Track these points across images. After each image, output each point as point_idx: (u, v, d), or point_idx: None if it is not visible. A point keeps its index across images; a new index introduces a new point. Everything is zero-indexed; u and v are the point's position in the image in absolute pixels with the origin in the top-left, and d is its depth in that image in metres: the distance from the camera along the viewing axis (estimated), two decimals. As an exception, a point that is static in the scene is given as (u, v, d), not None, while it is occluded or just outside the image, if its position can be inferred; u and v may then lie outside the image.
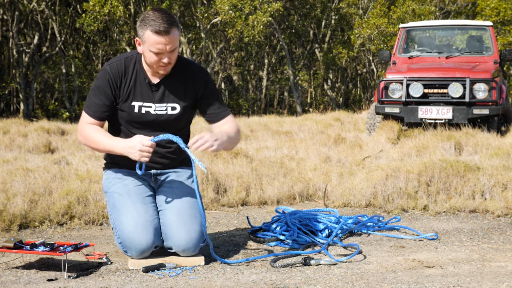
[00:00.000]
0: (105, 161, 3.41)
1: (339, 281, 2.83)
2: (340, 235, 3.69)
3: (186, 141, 3.34)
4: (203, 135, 3.02)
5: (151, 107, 3.17)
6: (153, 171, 3.29)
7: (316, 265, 3.09)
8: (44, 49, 25.32)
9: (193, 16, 23.50)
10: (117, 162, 3.31)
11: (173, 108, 3.20)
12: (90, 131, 3.15)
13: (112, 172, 3.31)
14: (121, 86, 3.15)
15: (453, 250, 3.42)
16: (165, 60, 3.05)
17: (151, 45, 3.03)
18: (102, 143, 3.12)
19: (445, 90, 8.50)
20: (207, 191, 4.81)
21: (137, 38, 3.10)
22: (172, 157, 3.29)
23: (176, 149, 3.29)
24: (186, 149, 3.08)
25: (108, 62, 3.21)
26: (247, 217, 4.03)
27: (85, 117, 3.18)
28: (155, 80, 3.17)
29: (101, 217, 4.21)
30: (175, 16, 3.12)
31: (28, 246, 3.02)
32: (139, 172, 3.14)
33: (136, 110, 3.16)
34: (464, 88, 8.36)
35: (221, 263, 3.16)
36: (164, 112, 3.18)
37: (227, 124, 3.27)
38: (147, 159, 3.01)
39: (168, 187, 3.25)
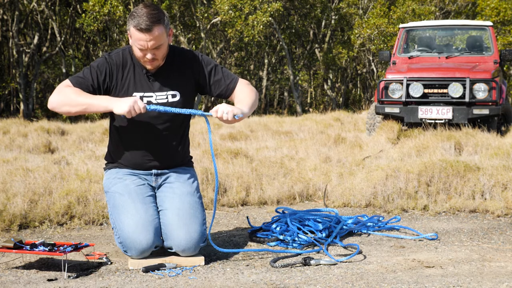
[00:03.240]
0: (106, 161, 3.42)
1: (339, 281, 2.83)
2: (340, 235, 3.69)
3: (185, 137, 3.34)
4: (219, 107, 3.04)
5: (152, 96, 3.18)
6: (153, 171, 3.29)
7: (316, 265, 3.09)
8: (44, 49, 25.32)
9: (193, 16, 23.50)
10: (118, 162, 3.31)
11: (173, 96, 3.21)
12: (70, 90, 3.04)
13: (113, 172, 3.31)
14: (117, 78, 3.16)
15: (453, 250, 3.42)
16: (148, 56, 3.07)
17: (135, 41, 3.07)
18: (84, 99, 3.00)
19: (445, 90, 8.50)
20: (207, 191, 4.81)
21: (128, 31, 3.13)
22: (173, 155, 3.29)
23: (176, 148, 3.29)
24: (187, 112, 3.10)
25: (107, 53, 3.23)
26: (247, 217, 4.03)
27: (66, 82, 3.11)
28: (151, 70, 3.18)
29: (101, 217, 4.21)
30: (164, 12, 3.13)
31: (28, 246, 3.02)
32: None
33: None
34: (464, 88, 8.36)
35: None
36: (165, 101, 3.19)
37: (241, 92, 3.26)
38: (131, 114, 2.96)
39: (168, 187, 3.26)
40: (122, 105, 2.95)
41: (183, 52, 3.28)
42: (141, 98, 3.17)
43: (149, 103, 3.16)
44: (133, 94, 3.16)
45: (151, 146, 3.23)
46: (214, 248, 3.44)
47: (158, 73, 3.19)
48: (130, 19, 3.07)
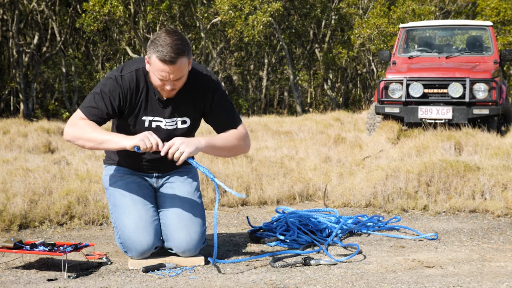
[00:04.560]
0: (105, 155, 3.38)
1: (339, 281, 2.83)
2: (340, 235, 3.69)
3: None
4: (174, 142, 2.93)
5: (161, 121, 3.11)
6: (154, 173, 3.28)
7: (316, 265, 3.09)
8: (44, 49, 25.32)
9: (193, 16, 23.50)
10: (118, 162, 3.30)
11: (183, 122, 3.15)
12: (85, 123, 2.97)
13: (113, 169, 3.29)
14: (131, 100, 3.06)
15: (453, 250, 3.42)
16: (168, 87, 2.97)
17: (156, 71, 2.94)
18: (98, 136, 2.93)
19: (445, 90, 8.51)
20: (207, 191, 4.81)
21: (146, 57, 3.01)
22: (175, 163, 3.28)
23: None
24: (214, 179, 3.01)
25: (119, 71, 3.08)
26: (247, 217, 4.03)
27: (80, 114, 3.02)
28: (164, 97, 3.10)
29: (101, 217, 4.21)
30: (187, 41, 2.97)
31: (28, 246, 3.02)
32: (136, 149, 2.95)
33: (146, 124, 3.10)
34: (464, 88, 8.36)
35: (221, 263, 3.15)
36: (174, 127, 3.13)
37: (226, 134, 3.16)
38: (143, 144, 2.87)
39: (169, 188, 3.25)
40: (134, 139, 2.89)
41: (198, 76, 3.13)
42: (150, 122, 3.10)
43: (158, 128, 3.10)
44: (143, 118, 3.09)
45: (155, 159, 3.20)
46: (214, 248, 3.44)
47: (170, 99, 3.09)
48: (152, 47, 2.92)
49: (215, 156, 3.15)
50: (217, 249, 3.14)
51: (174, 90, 3.02)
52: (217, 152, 3.16)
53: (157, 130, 3.09)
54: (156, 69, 2.93)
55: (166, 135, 3.09)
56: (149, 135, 2.91)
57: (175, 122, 3.13)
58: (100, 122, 3.03)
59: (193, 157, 3.04)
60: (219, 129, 3.22)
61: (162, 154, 2.92)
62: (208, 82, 3.15)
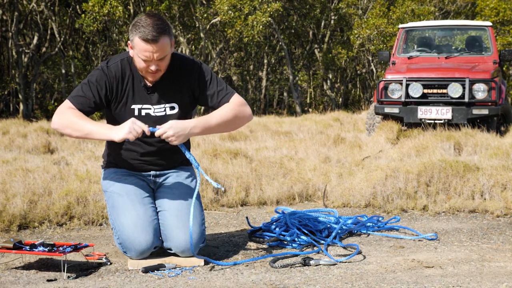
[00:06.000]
0: (103, 159, 3.40)
1: (339, 281, 2.83)
2: (339, 235, 3.69)
3: (186, 144, 3.31)
4: (165, 130, 2.98)
5: (150, 109, 3.14)
6: (152, 172, 3.28)
7: (316, 265, 3.09)
8: (44, 49, 25.32)
9: (192, 16, 23.51)
10: (115, 163, 3.30)
11: (172, 108, 3.17)
12: (72, 113, 3.01)
13: (111, 172, 3.30)
14: (117, 90, 3.10)
15: (452, 250, 3.42)
16: (153, 67, 3.01)
17: (139, 52, 2.99)
18: (85, 126, 2.97)
19: (444, 90, 8.51)
20: (206, 192, 4.81)
21: (129, 42, 3.07)
22: (172, 160, 3.28)
23: (175, 153, 3.26)
24: (199, 167, 3.13)
25: (104, 63, 3.14)
26: (247, 217, 4.03)
27: (68, 104, 3.05)
28: (150, 83, 3.14)
29: (100, 217, 4.21)
30: (168, 23, 3.06)
31: (27, 247, 3.02)
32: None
33: (136, 113, 3.12)
34: (464, 88, 8.36)
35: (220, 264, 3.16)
36: (163, 113, 3.15)
37: (220, 109, 3.16)
38: (132, 136, 2.91)
39: (167, 188, 3.25)
40: (121, 130, 2.92)
41: (182, 61, 3.19)
42: (140, 110, 3.13)
43: (147, 115, 3.13)
44: (132, 107, 3.12)
45: (150, 152, 3.21)
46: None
47: (156, 85, 3.13)
48: (134, 30, 2.99)
49: (217, 133, 3.20)
50: (192, 236, 3.14)
51: (159, 72, 3.06)
52: (215, 130, 3.18)
53: (147, 118, 3.11)
54: (140, 49, 2.98)
55: (157, 123, 3.10)
56: (133, 124, 2.93)
57: (164, 108, 3.15)
58: (88, 111, 3.06)
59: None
60: (216, 104, 3.21)
61: (157, 135, 3.00)
62: (191, 65, 3.19)
